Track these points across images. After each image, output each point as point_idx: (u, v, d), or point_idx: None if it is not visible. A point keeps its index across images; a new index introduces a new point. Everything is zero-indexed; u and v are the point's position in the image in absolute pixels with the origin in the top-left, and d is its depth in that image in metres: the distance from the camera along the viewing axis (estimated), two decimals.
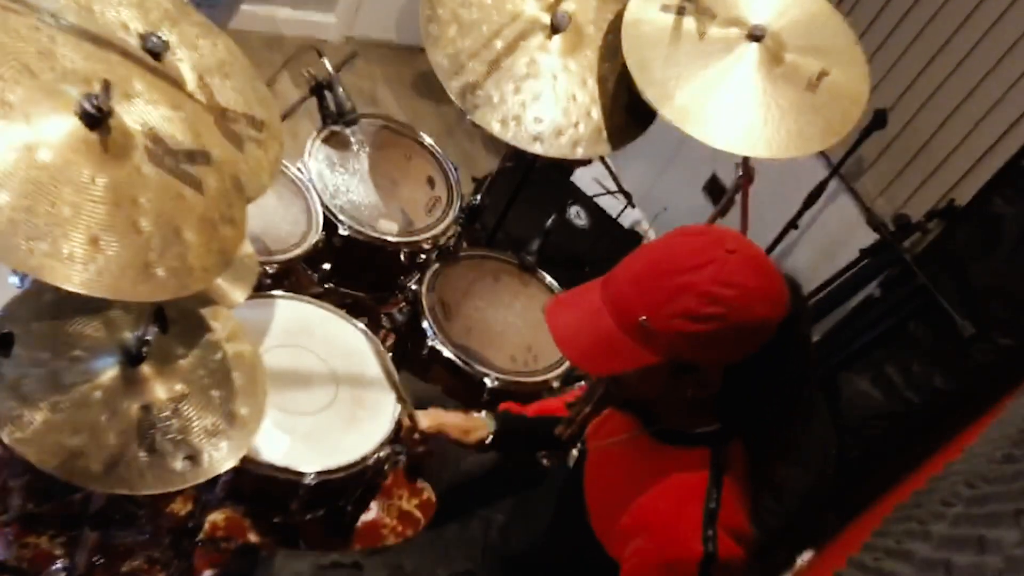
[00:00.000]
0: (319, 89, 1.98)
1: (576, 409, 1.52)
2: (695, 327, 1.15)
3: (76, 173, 1.10)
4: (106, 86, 1.12)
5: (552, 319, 1.26)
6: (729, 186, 2.57)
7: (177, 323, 1.50)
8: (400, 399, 1.69)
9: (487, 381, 2.08)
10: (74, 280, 1.06)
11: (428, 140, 2.48)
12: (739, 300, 1.15)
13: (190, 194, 1.22)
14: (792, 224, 2.76)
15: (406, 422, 1.66)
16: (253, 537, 2.14)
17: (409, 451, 1.70)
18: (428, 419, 1.66)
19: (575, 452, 1.50)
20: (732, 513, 1.24)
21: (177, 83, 1.40)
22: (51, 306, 1.47)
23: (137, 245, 1.13)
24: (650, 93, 1.91)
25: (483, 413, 1.71)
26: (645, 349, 1.18)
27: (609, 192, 3.33)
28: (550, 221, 2.44)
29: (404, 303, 2.35)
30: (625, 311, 1.19)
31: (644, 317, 1.16)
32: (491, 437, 1.66)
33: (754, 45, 1.96)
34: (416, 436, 1.66)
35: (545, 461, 1.95)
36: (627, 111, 2.05)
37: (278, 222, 2.15)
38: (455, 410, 1.73)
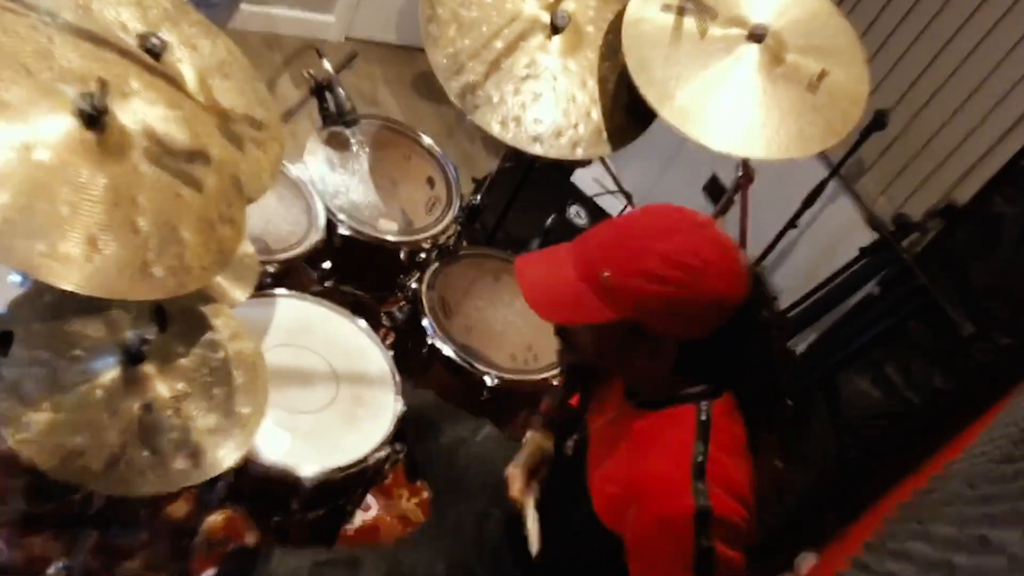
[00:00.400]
0: (319, 90, 1.98)
1: (559, 394, 1.54)
2: (653, 288, 1.19)
3: (74, 172, 1.10)
4: (102, 85, 1.12)
5: (521, 267, 1.31)
6: (729, 186, 2.57)
7: (178, 322, 1.50)
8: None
9: (487, 379, 2.08)
10: (72, 279, 1.06)
11: (428, 140, 2.48)
12: (699, 271, 1.19)
13: (188, 193, 1.22)
14: (792, 224, 2.76)
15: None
16: (253, 537, 2.15)
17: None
18: (516, 487, 1.53)
19: (570, 443, 1.51)
20: (724, 468, 1.23)
21: (175, 82, 1.40)
22: (51, 306, 1.47)
23: (135, 244, 1.13)
24: (650, 93, 1.91)
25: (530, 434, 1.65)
26: (603, 304, 1.22)
27: (609, 192, 3.33)
28: (550, 221, 2.45)
29: (404, 302, 2.35)
30: (590, 265, 1.24)
31: (607, 273, 1.21)
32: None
33: (754, 45, 1.96)
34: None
35: None
36: (627, 111, 2.05)
37: (279, 222, 2.15)
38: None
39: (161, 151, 1.21)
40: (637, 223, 1.28)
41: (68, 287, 1.06)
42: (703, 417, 1.27)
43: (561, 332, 1.38)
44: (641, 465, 1.29)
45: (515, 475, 1.54)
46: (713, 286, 1.21)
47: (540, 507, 1.50)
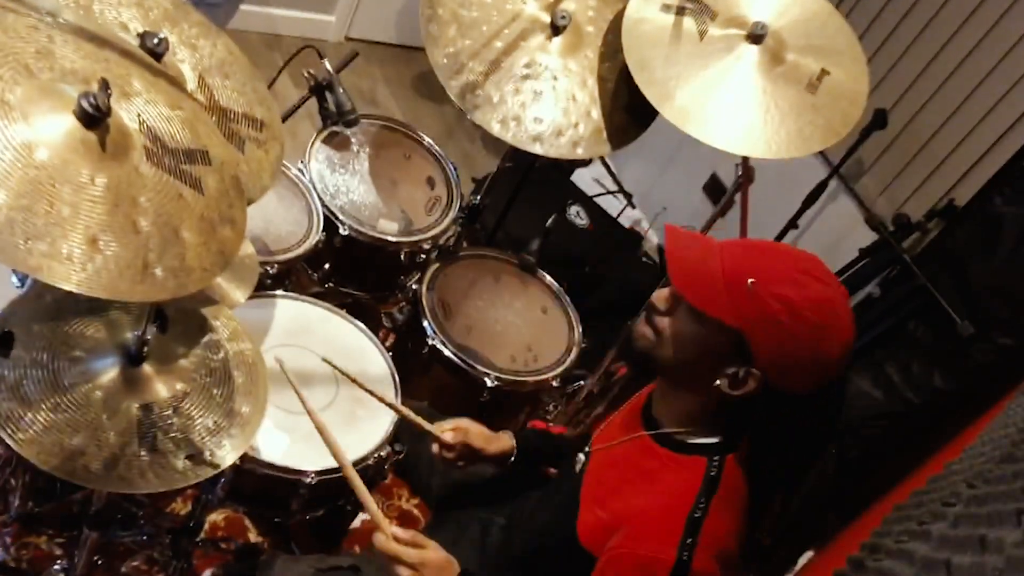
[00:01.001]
0: (319, 89, 1.98)
1: (587, 411, 1.55)
2: (782, 317, 1.19)
3: (75, 173, 1.10)
4: (104, 85, 1.11)
5: (670, 236, 1.30)
6: (729, 186, 2.57)
7: (178, 323, 1.50)
8: (417, 426, 1.65)
9: (487, 380, 2.08)
10: (72, 280, 1.06)
11: (428, 140, 2.48)
12: (830, 328, 1.21)
13: (189, 194, 1.22)
14: (792, 224, 2.76)
15: (436, 450, 1.62)
16: (253, 537, 2.15)
17: (447, 468, 1.67)
18: (451, 430, 1.63)
19: (581, 457, 1.50)
20: (717, 528, 1.24)
21: (176, 82, 1.39)
22: (51, 307, 1.47)
23: (136, 245, 1.13)
24: (650, 93, 1.91)
25: (506, 433, 1.70)
26: (731, 306, 1.21)
27: (609, 192, 3.33)
28: (550, 221, 2.44)
29: (404, 303, 2.35)
30: (739, 267, 1.23)
31: (753, 280, 1.21)
32: (514, 454, 1.66)
33: (754, 45, 1.96)
34: (444, 451, 1.62)
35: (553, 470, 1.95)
36: (627, 111, 2.05)
37: (279, 222, 2.15)
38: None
39: (162, 151, 1.21)
40: (801, 258, 1.27)
41: (68, 288, 1.06)
42: (712, 473, 1.27)
43: (661, 315, 1.32)
44: (638, 500, 1.29)
45: (460, 426, 1.62)
46: (830, 345, 1.22)
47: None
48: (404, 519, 2.40)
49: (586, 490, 1.40)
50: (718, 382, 1.25)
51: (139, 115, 1.21)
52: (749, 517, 1.30)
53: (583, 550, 1.32)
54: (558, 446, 1.71)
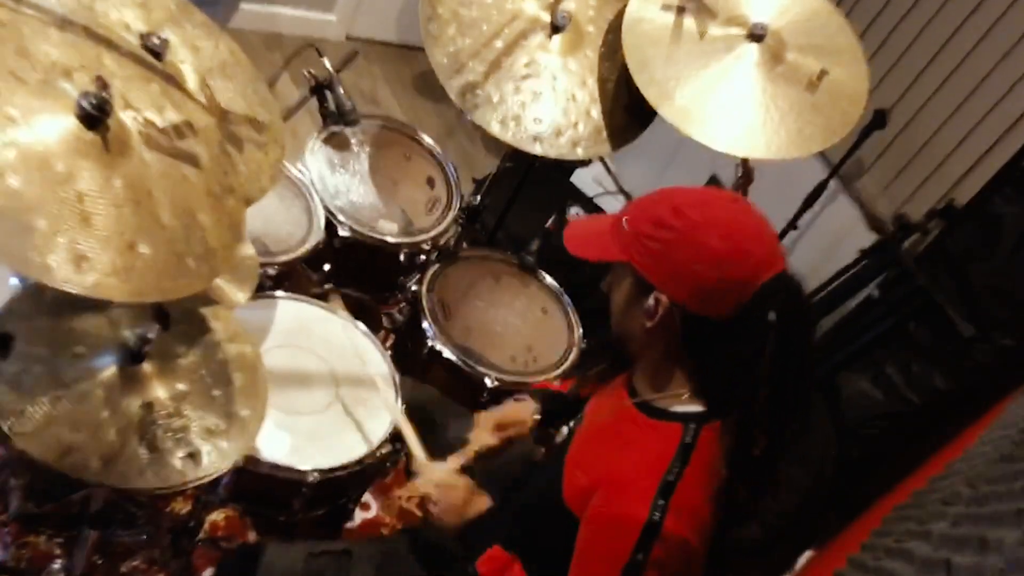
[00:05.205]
0: (319, 89, 1.97)
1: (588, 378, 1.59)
2: (653, 232, 1.25)
3: (94, 180, 1.07)
4: (102, 84, 1.09)
5: (571, 224, 1.42)
6: (729, 186, 2.57)
7: (178, 323, 1.50)
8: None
9: (487, 381, 2.08)
10: (126, 291, 1.05)
11: (428, 140, 2.48)
12: (699, 224, 1.23)
13: (191, 172, 1.19)
14: (792, 224, 2.76)
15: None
16: (253, 537, 2.15)
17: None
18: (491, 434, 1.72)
19: (565, 430, 1.52)
20: (692, 494, 1.24)
21: (139, 55, 1.32)
22: (53, 303, 1.47)
23: (166, 240, 1.11)
24: (650, 93, 1.91)
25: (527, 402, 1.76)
26: (614, 243, 1.30)
27: (609, 192, 3.33)
28: (550, 221, 2.44)
29: (404, 303, 2.35)
30: (621, 214, 1.32)
31: (627, 217, 1.31)
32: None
33: (754, 45, 1.96)
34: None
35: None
36: (627, 111, 2.05)
37: (279, 223, 2.15)
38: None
39: (158, 133, 1.18)
40: (677, 188, 1.34)
41: (123, 299, 1.04)
42: (687, 439, 1.27)
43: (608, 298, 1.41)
44: (614, 462, 1.31)
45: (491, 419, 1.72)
46: (706, 240, 1.22)
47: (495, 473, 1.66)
48: (404, 518, 2.40)
49: (570, 457, 1.42)
50: (644, 320, 1.29)
51: (123, 97, 1.18)
52: (724, 500, 1.28)
53: (571, 516, 1.33)
54: (567, 403, 1.72)
